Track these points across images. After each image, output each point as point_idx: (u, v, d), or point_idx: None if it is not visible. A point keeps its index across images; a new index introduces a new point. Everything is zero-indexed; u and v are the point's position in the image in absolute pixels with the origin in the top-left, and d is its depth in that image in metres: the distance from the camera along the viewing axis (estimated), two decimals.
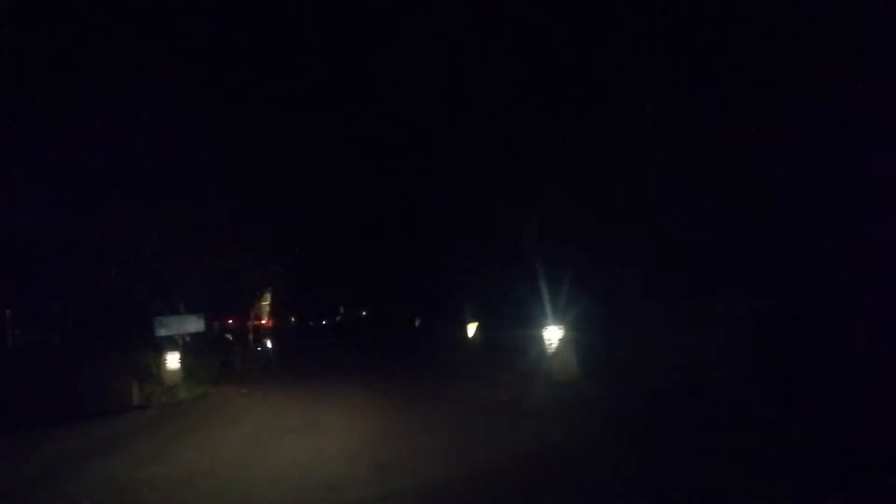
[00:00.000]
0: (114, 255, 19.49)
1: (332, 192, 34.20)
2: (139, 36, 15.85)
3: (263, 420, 12.47)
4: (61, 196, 18.61)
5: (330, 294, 56.07)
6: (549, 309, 12.65)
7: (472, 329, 22.15)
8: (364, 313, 58.97)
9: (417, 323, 40.85)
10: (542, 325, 12.73)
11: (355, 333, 46.49)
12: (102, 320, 20.13)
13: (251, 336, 32.70)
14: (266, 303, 40.51)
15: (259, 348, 33.32)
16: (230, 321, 29.92)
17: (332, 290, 53.89)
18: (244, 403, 15.82)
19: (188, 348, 20.38)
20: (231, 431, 11.51)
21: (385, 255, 42.03)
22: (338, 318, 64.34)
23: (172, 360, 18.67)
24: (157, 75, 16.64)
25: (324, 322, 64.22)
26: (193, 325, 19.42)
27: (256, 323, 33.87)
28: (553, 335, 12.49)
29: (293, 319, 53.58)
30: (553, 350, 12.36)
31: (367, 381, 17.60)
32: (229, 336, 30.58)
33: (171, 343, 18.79)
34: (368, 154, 29.92)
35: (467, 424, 10.25)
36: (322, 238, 40.72)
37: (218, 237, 25.77)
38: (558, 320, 12.52)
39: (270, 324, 40.26)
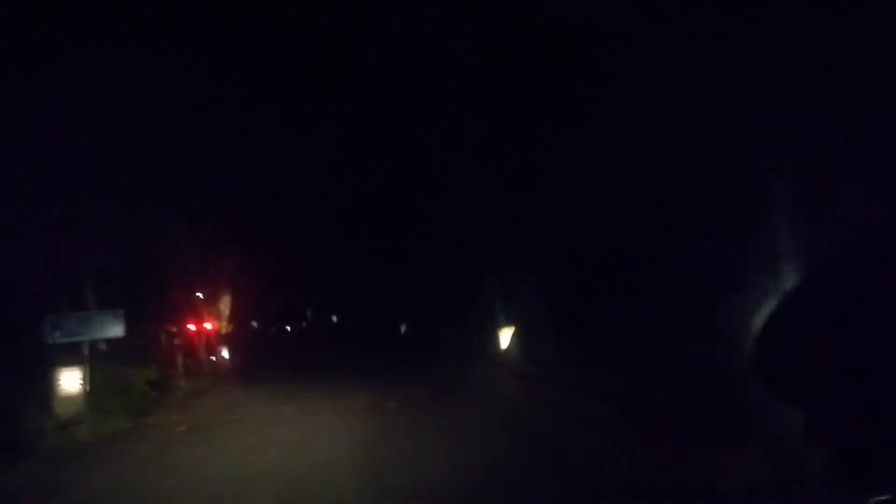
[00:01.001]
0: None
1: (300, 176, 29.64)
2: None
3: None
4: None
5: (295, 296, 49.46)
6: None
7: (505, 337, 16.15)
8: (335, 319, 52.49)
9: (403, 329, 34.92)
10: None
11: (326, 343, 40.14)
12: None
13: (202, 344, 26.09)
14: (224, 306, 34.38)
15: (213, 358, 26.88)
16: (173, 325, 23.38)
17: (298, 291, 47.47)
18: (176, 459, 9.50)
19: (104, 360, 14.07)
20: None
21: (362, 248, 36.33)
22: (304, 325, 57.76)
23: (71, 381, 12.39)
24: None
25: (288, 328, 57.41)
26: (108, 327, 13.00)
27: (209, 329, 27.27)
28: None
29: (255, 325, 46.75)
30: None
31: (358, 418, 11.61)
32: (178, 342, 24.08)
33: (69, 355, 12.46)
34: (343, 136, 28.77)
35: None
36: (287, 230, 35.41)
37: (161, 218, 19.78)
38: None
39: (228, 330, 33.95)
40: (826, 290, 7.88)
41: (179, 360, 20.31)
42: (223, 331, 32.83)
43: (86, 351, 12.66)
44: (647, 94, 11.87)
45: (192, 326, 24.58)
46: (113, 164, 16.69)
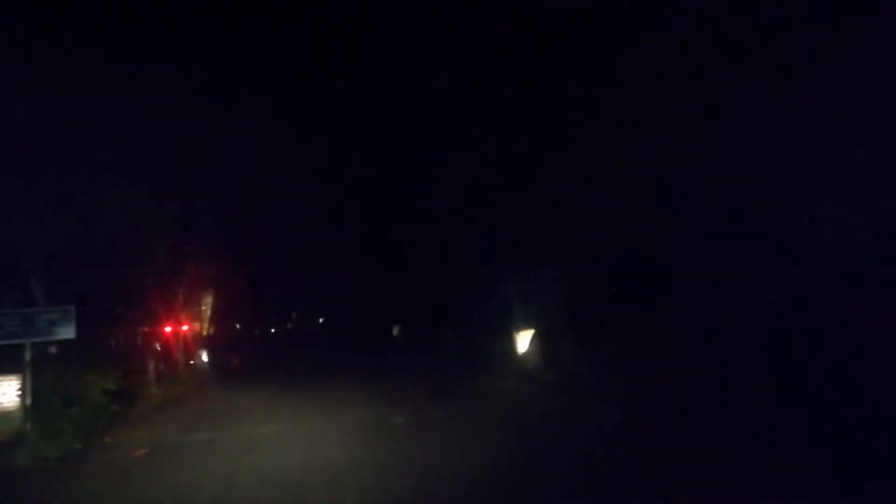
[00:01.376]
0: None
1: (286, 171, 27.86)
2: None
3: None
4: None
5: (280, 296, 47.11)
6: None
7: (523, 341, 14.16)
8: (321, 320, 50.25)
9: (396, 331, 32.88)
10: None
11: (313, 346, 38.00)
12: None
13: (179, 348, 23.81)
14: (205, 307, 32.21)
15: (192, 362, 24.65)
16: (146, 326, 21.15)
17: (283, 291, 45.15)
18: (127, 496, 7.36)
19: (54, 367, 11.91)
20: None
21: (353, 247, 34.36)
22: (289, 326, 55.48)
23: (8, 393, 10.18)
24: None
25: (272, 330, 55.07)
26: (56, 327, 10.81)
27: (186, 331, 24.99)
28: None
29: (237, 327, 44.41)
30: None
31: (360, 440, 9.57)
32: (150, 345, 21.87)
33: (7, 360, 10.31)
34: (334, 131, 27.05)
35: None
36: (272, 227, 33.36)
37: (133, 211, 17.58)
38: None
39: (209, 333, 31.72)
40: (829, 292, 7.98)
41: (151, 365, 18.04)
42: (203, 333, 30.57)
43: (28, 355, 10.48)
44: (657, 94, 11.68)
45: (167, 328, 22.28)
46: (80, 145, 14.61)
